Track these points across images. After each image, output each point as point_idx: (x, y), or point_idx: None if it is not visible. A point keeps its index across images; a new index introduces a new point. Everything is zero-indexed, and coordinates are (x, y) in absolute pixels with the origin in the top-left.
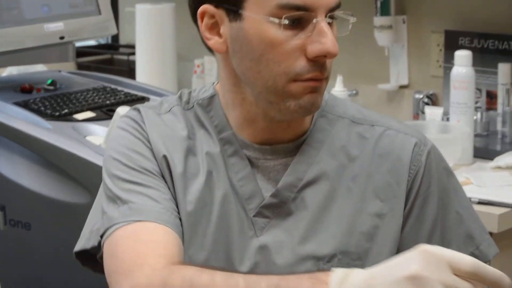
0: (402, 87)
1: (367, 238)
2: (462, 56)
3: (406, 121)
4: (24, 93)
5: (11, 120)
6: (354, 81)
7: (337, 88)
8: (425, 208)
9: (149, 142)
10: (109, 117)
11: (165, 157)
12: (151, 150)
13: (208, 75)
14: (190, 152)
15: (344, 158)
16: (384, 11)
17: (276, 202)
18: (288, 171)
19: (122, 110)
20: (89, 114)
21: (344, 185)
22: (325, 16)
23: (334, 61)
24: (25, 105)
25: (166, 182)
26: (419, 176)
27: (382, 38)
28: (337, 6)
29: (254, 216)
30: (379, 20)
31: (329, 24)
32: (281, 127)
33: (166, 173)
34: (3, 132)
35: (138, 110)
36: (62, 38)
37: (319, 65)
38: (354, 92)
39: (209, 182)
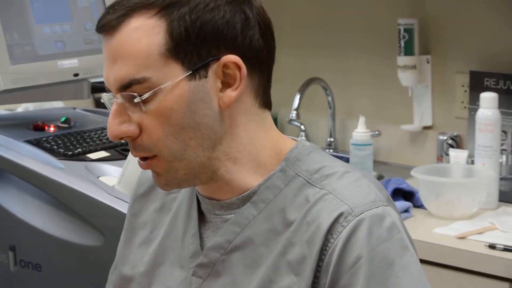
0: (426, 128)
1: None
2: (488, 98)
3: (429, 164)
4: (37, 130)
5: (22, 159)
6: (377, 121)
7: (360, 129)
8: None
9: None
10: (124, 157)
11: None
12: None
13: None
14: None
15: (279, 223)
16: (408, 51)
17: (206, 262)
18: (221, 231)
19: None
20: (103, 153)
21: (267, 253)
22: (117, 96)
23: (357, 101)
24: (37, 143)
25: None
26: (336, 251)
27: (405, 78)
28: (128, 85)
29: (192, 274)
30: (402, 60)
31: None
32: (209, 186)
33: None
34: (14, 171)
35: None
36: (76, 75)
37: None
38: (376, 133)
39: (165, 242)
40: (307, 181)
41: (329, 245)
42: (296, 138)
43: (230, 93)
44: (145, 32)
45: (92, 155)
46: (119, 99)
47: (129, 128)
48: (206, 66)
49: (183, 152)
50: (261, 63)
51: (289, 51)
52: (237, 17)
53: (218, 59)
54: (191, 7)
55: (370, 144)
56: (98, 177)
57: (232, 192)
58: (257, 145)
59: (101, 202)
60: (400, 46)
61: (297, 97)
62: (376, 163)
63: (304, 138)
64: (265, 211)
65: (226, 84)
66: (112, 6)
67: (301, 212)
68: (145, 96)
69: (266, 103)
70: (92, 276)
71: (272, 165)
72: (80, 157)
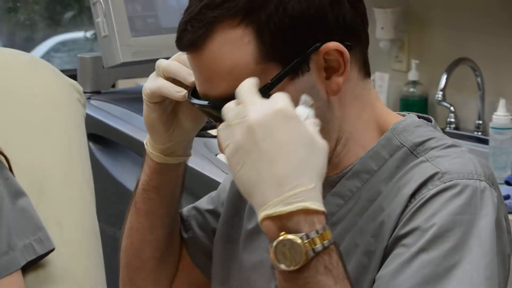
0: None
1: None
2: None
3: None
4: None
5: (138, 133)
6: None
7: (500, 112)
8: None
9: None
10: None
11: None
12: None
13: (379, 91)
14: None
15: (377, 193)
16: None
17: None
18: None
19: None
20: None
21: (359, 220)
22: None
23: (496, 82)
24: None
25: None
26: (412, 210)
27: None
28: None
29: None
30: None
31: None
32: None
33: None
34: (131, 145)
35: None
36: None
37: None
38: None
39: None
40: (411, 152)
41: (410, 205)
42: (405, 113)
43: (337, 80)
44: (234, 45)
45: (213, 131)
46: None
47: None
48: (306, 60)
49: None
50: (359, 35)
51: (440, 31)
52: None
53: (317, 49)
54: (276, 4)
55: (510, 128)
56: (216, 155)
57: (335, 170)
58: (364, 120)
59: (217, 181)
60: None
61: (444, 77)
62: None
63: (432, 122)
64: (369, 183)
65: (330, 69)
66: (189, 21)
67: (396, 180)
68: None
69: (367, 71)
70: None
71: (377, 138)
72: (200, 132)
